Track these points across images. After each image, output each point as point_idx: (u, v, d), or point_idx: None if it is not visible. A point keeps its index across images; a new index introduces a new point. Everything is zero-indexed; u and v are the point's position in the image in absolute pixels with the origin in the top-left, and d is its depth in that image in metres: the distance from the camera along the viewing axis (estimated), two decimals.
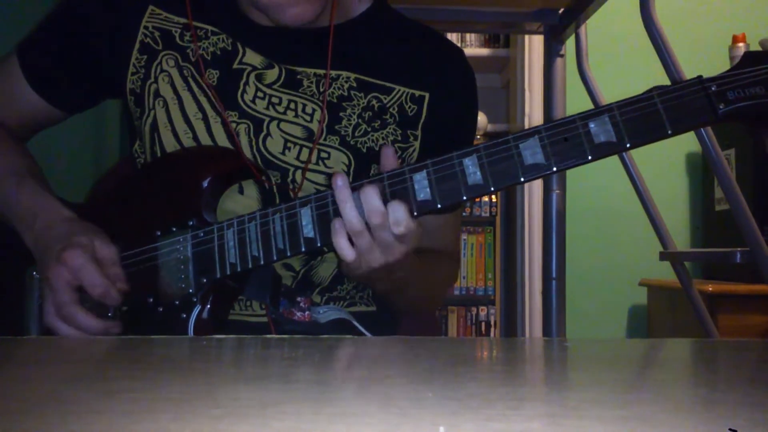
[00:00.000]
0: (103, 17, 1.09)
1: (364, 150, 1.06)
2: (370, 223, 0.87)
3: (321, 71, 1.07)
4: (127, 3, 1.09)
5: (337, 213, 0.90)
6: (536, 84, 2.84)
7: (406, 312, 1.18)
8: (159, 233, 0.99)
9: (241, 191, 1.04)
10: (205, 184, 0.99)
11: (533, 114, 2.85)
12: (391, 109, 1.08)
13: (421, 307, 1.25)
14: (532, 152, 0.85)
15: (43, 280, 0.96)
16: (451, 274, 1.26)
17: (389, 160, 0.90)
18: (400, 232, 0.87)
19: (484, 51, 3.27)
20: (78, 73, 1.11)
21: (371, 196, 0.87)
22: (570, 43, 1.88)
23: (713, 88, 0.82)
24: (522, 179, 0.85)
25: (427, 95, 1.10)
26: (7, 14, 1.47)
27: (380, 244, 0.88)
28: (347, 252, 0.88)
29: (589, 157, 0.84)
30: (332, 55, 1.07)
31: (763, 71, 0.82)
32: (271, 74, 1.06)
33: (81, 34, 1.10)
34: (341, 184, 0.88)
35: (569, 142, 0.84)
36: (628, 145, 0.84)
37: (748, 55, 0.84)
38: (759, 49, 1.57)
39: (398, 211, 0.86)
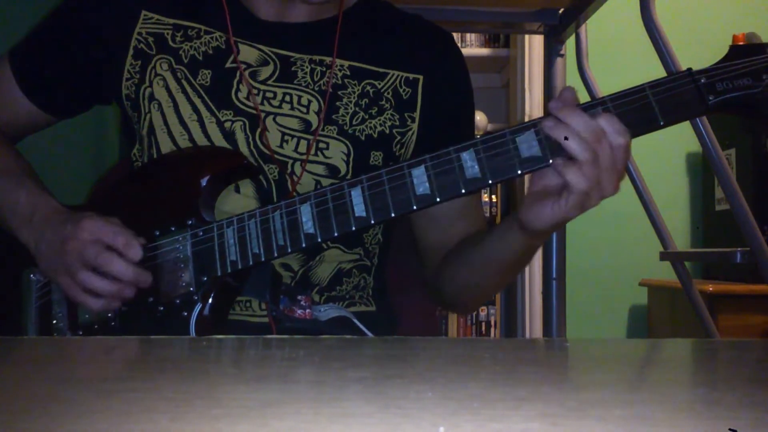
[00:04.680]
0: (97, 24, 1.10)
1: (363, 138, 1.07)
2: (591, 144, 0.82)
3: (317, 57, 1.07)
4: (120, 10, 1.10)
5: (339, 208, 0.90)
6: (536, 84, 2.84)
7: (481, 294, 1.14)
8: (158, 233, 0.99)
9: (237, 190, 1.04)
10: (204, 183, 0.99)
11: (533, 114, 2.84)
12: (386, 94, 1.08)
13: (499, 287, 1.18)
14: (528, 145, 0.86)
15: (57, 262, 0.96)
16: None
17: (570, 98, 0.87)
18: (625, 141, 0.83)
19: (484, 51, 3.26)
20: (69, 79, 1.12)
21: (582, 116, 0.83)
22: (570, 43, 1.88)
23: (703, 81, 0.85)
24: (519, 172, 0.86)
25: (421, 78, 1.11)
26: (7, 15, 1.47)
27: (603, 167, 0.83)
28: (582, 181, 0.83)
29: None
30: (326, 44, 1.08)
31: (750, 63, 0.85)
32: (266, 70, 1.06)
33: (74, 40, 1.11)
34: (552, 123, 0.84)
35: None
36: None
37: (735, 48, 0.86)
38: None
39: (613, 122, 0.83)
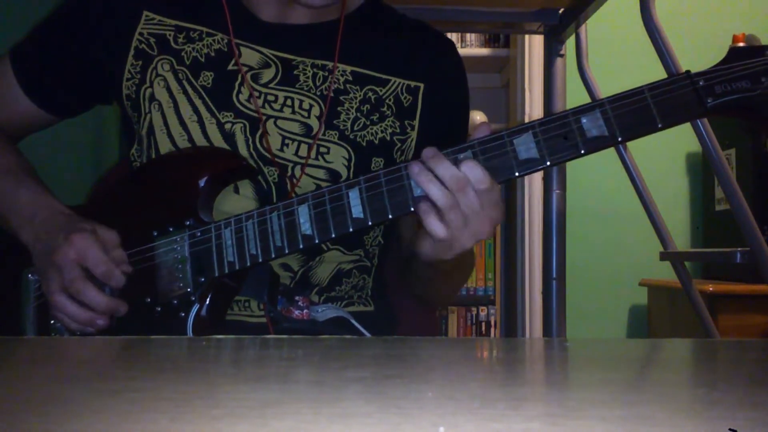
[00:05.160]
0: (98, 24, 1.10)
1: (364, 144, 1.06)
2: (454, 193, 0.85)
3: (319, 62, 1.07)
4: (122, 10, 1.09)
5: (336, 209, 0.90)
6: (536, 84, 2.84)
7: (431, 302, 1.18)
8: (156, 233, 0.99)
9: (236, 191, 1.04)
10: (202, 183, 0.99)
11: (533, 113, 2.84)
12: (387, 101, 1.08)
13: (448, 297, 1.25)
14: (526, 147, 0.86)
15: (44, 270, 0.97)
16: (471, 263, 1.26)
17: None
18: (485, 187, 0.85)
19: (484, 51, 3.26)
20: (70, 79, 1.12)
21: (447, 165, 0.85)
22: (570, 43, 1.88)
23: (701, 83, 0.85)
24: (516, 174, 0.87)
25: (422, 86, 1.11)
26: (7, 14, 1.47)
27: (469, 212, 0.86)
28: (440, 229, 0.86)
29: (582, 152, 0.86)
30: (328, 48, 1.08)
31: (749, 65, 0.85)
32: (268, 73, 1.06)
33: (75, 40, 1.10)
34: (418, 169, 0.86)
35: (562, 137, 0.86)
36: (619, 139, 0.86)
37: (734, 50, 0.86)
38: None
39: (475, 169, 0.85)
